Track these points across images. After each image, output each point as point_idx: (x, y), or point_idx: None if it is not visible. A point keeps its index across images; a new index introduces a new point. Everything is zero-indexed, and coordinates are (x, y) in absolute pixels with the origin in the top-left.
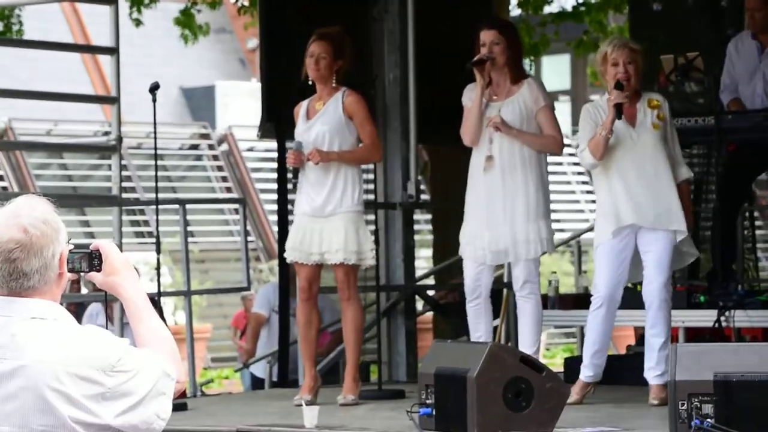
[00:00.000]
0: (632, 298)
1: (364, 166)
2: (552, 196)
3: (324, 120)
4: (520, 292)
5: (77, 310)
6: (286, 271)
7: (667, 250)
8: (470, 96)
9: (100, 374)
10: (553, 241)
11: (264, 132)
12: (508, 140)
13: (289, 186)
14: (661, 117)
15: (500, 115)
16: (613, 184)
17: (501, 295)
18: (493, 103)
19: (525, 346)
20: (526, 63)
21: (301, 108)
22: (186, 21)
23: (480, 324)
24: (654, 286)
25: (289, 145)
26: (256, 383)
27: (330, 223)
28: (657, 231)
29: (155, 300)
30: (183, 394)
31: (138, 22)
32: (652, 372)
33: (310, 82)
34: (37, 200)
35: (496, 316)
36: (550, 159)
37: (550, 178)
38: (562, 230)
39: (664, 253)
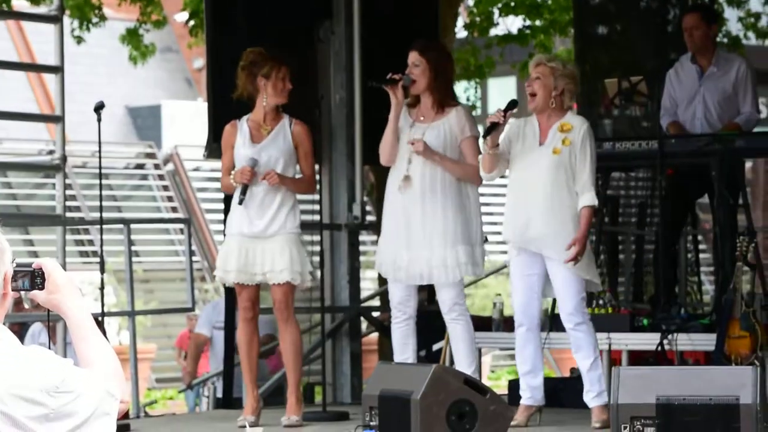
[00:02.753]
0: None
1: None
2: (494, 218)
3: (275, 146)
4: (448, 315)
5: (20, 330)
6: (232, 290)
7: (569, 275)
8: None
9: (44, 395)
10: (480, 266)
11: (210, 152)
12: (429, 163)
13: (235, 203)
14: (566, 142)
15: (423, 139)
16: (509, 199)
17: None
18: (418, 124)
19: (462, 367)
20: (472, 85)
21: (240, 128)
22: (131, 40)
23: (408, 346)
24: (564, 312)
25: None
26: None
27: (273, 244)
28: (552, 258)
29: (99, 320)
30: (126, 415)
31: (80, 40)
32: (588, 394)
33: (257, 102)
34: None
35: (435, 339)
36: (497, 180)
37: (493, 200)
38: (504, 252)
39: (568, 279)
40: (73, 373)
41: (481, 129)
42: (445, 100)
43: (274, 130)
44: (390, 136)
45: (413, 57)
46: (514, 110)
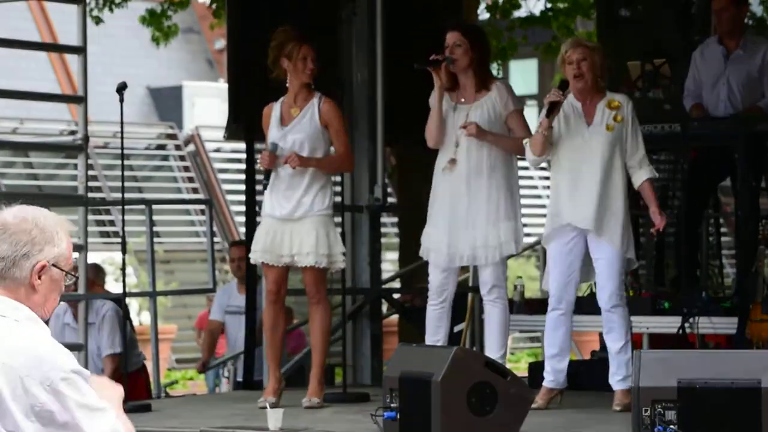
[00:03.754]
0: (594, 303)
1: None
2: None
3: (300, 128)
4: (487, 297)
5: None
6: (254, 272)
7: (615, 255)
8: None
9: (38, 387)
10: (520, 242)
11: (231, 133)
12: (476, 144)
13: (259, 187)
14: (618, 119)
15: (475, 121)
16: (559, 181)
17: (465, 299)
18: (460, 105)
19: (492, 351)
20: (494, 67)
21: (274, 111)
22: (152, 21)
23: (441, 328)
24: (605, 292)
25: (262, 146)
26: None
27: (301, 226)
28: (599, 237)
29: (120, 300)
30: (147, 395)
31: (98, 20)
32: (614, 377)
33: (287, 84)
34: (50, 213)
35: (456, 320)
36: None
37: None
38: (528, 234)
39: (614, 259)
40: (79, 382)
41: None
42: (485, 78)
43: (302, 111)
44: (436, 118)
45: (455, 37)
46: (567, 89)
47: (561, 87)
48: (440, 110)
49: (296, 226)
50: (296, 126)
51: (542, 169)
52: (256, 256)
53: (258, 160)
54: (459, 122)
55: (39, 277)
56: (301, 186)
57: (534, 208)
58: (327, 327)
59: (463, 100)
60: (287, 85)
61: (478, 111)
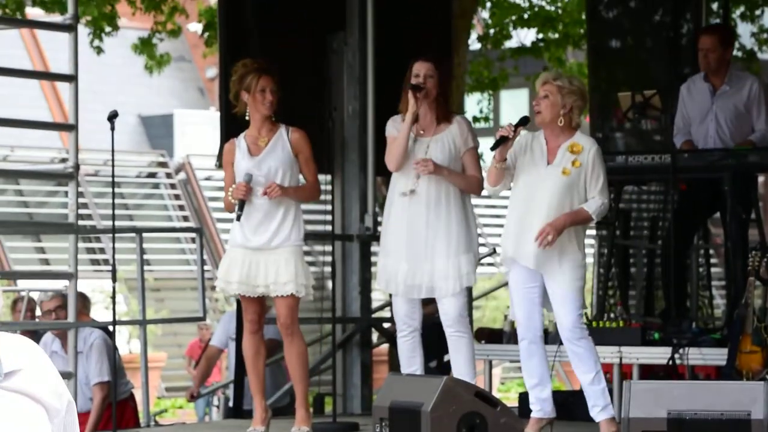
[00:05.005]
0: None
1: (320, 197)
2: (500, 230)
3: (274, 156)
4: (452, 328)
5: (31, 338)
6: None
7: (566, 291)
8: (395, 126)
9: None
10: (474, 274)
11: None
12: (435, 177)
13: (234, 219)
14: (576, 164)
15: (429, 154)
16: (510, 214)
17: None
18: (420, 138)
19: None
20: (485, 97)
21: (238, 145)
22: (144, 49)
23: (415, 358)
24: (564, 328)
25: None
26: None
27: (278, 256)
28: (549, 275)
29: (109, 330)
30: (137, 424)
31: (99, 50)
32: (594, 409)
33: (247, 117)
34: None
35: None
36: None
37: (495, 211)
38: None
39: (566, 295)
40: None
41: (490, 141)
42: (446, 111)
43: (271, 140)
44: (403, 142)
45: (427, 68)
46: (525, 125)
47: (519, 123)
48: (408, 135)
49: (272, 255)
50: (269, 154)
51: None
52: (231, 288)
53: (230, 193)
54: (419, 154)
55: None
56: (277, 216)
57: None
58: (305, 357)
59: (422, 132)
60: (247, 118)
61: (438, 144)
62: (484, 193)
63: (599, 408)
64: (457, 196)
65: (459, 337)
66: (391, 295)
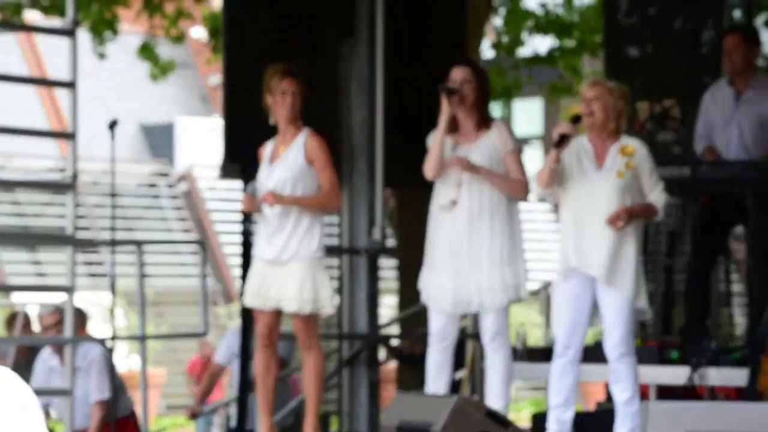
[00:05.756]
0: (600, 352)
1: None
2: (529, 245)
3: (285, 165)
4: (490, 344)
5: (29, 353)
6: (249, 315)
7: (624, 303)
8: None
9: None
10: (524, 286)
11: (226, 172)
12: (477, 185)
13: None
14: (630, 166)
15: (475, 160)
16: (566, 223)
17: (463, 346)
18: (460, 146)
19: (494, 401)
20: (498, 106)
21: (266, 150)
22: (148, 55)
23: (442, 375)
24: (611, 341)
25: (243, 188)
26: None
27: (287, 270)
28: (607, 285)
29: (107, 345)
30: None
31: (102, 56)
32: (622, 429)
33: (272, 122)
34: None
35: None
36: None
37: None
38: (530, 279)
39: (622, 307)
40: None
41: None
42: (485, 118)
43: (288, 148)
44: (438, 148)
45: (465, 73)
46: (577, 125)
47: (574, 121)
48: (443, 140)
49: (284, 270)
50: (281, 164)
51: (545, 212)
52: (246, 299)
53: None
54: None
55: None
56: (286, 228)
57: (536, 253)
58: (320, 374)
59: (462, 140)
60: (272, 123)
61: (478, 151)
62: (528, 206)
63: (628, 429)
64: (501, 207)
65: (495, 353)
66: (402, 309)
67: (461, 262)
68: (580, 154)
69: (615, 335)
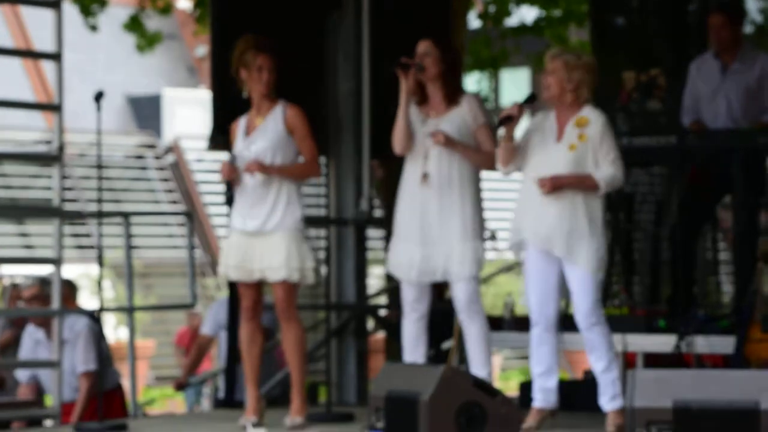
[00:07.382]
0: None
1: (314, 181)
2: (507, 214)
3: (264, 136)
4: (464, 313)
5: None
6: (236, 287)
7: (585, 275)
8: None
9: None
10: (484, 259)
11: (214, 143)
12: (447, 157)
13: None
14: (582, 138)
15: (442, 130)
16: (522, 193)
17: (450, 317)
18: (430, 120)
19: (476, 368)
20: (485, 76)
21: (239, 125)
22: (135, 27)
23: (419, 346)
24: (580, 312)
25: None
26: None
27: (271, 240)
28: (566, 258)
29: (96, 316)
30: (124, 414)
31: (94, 28)
32: (603, 397)
33: (245, 95)
34: None
35: (441, 337)
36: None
37: (501, 195)
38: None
39: (585, 279)
40: None
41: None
42: (454, 91)
43: (265, 119)
44: (402, 122)
45: (425, 46)
46: (533, 104)
47: (527, 101)
48: (406, 115)
49: (267, 240)
50: (260, 134)
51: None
52: (229, 272)
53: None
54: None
55: None
56: (268, 199)
57: None
58: (302, 344)
59: (433, 113)
60: (246, 96)
61: (448, 125)
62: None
63: (609, 397)
64: (470, 178)
65: (471, 322)
66: (390, 279)
67: (431, 233)
68: (545, 129)
69: (582, 307)
